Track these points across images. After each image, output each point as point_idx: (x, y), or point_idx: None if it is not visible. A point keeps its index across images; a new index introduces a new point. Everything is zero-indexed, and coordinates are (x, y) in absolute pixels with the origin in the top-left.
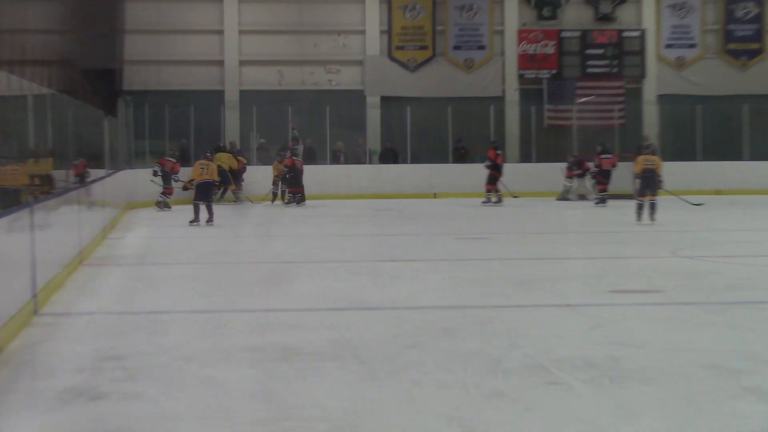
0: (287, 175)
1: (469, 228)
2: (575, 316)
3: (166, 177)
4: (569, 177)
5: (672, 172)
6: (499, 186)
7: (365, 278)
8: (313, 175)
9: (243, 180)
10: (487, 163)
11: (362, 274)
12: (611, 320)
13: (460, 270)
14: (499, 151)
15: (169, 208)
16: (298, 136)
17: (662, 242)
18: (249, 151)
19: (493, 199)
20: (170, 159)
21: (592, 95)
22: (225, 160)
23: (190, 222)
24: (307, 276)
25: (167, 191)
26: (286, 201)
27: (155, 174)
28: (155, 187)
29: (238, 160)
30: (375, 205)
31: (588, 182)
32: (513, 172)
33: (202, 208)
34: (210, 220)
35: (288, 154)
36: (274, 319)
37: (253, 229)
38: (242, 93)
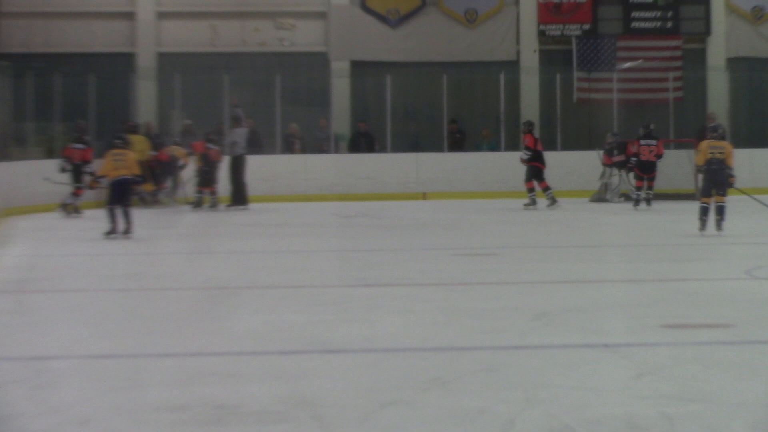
0: (203, 169)
1: (470, 240)
2: (615, 360)
3: (76, 171)
4: (608, 166)
5: (746, 163)
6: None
7: (328, 310)
8: (258, 169)
9: (171, 177)
10: (525, 153)
11: (325, 304)
12: (663, 366)
13: (459, 298)
14: (537, 136)
15: (79, 213)
16: (242, 115)
17: (733, 259)
18: (169, 136)
19: (547, 201)
20: (76, 146)
21: (639, 59)
22: (139, 146)
23: (106, 234)
24: (250, 307)
25: (77, 191)
26: (192, 202)
27: (63, 170)
28: (49, 186)
29: (158, 151)
30: (343, 210)
31: (632, 176)
32: None
33: (122, 214)
34: (128, 230)
35: (191, 141)
36: (204, 366)
37: (178, 244)
38: (161, 57)
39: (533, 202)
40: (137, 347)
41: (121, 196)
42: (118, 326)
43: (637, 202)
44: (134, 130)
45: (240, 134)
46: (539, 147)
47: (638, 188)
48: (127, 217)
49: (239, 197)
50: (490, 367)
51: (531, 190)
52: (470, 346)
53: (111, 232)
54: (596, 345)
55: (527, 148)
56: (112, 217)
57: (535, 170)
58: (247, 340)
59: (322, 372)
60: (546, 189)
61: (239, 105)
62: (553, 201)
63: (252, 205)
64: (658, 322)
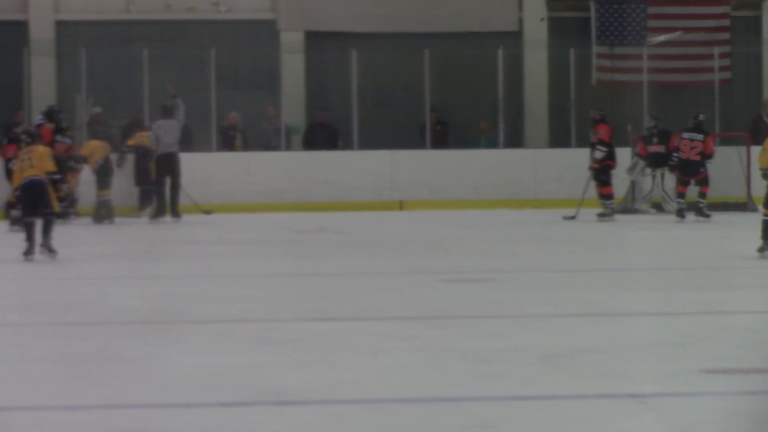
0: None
1: (460, 262)
2: (644, 414)
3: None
4: (642, 157)
5: None
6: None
7: (279, 350)
8: (188, 170)
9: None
10: (600, 150)
11: (274, 342)
12: (705, 422)
13: (445, 335)
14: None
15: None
16: (180, 106)
17: None
18: (74, 127)
19: (603, 211)
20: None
21: (676, 30)
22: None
23: (24, 254)
24: (180, 346)
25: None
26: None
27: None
28: None
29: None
30: (297, 223)
31: (669, 179)
32: (537, 162)
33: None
34: (47, 247)
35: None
36: (120, 421)
37: (89, 266)
38: (60, 26)
39: (611, 213)
40: (34, 398)
41: (33, 201)
42: (8, 371)
43: (680, 212)
44: (54, 114)
45: (168, 127)
46: (609, 138)
47: (680, 195)
48: (46, 227)
49: (167, 206)
50: (485, 423)
51: (610, 196)
52: (459, 397)
53: (29, 253)
54: (620, 395)
55: (602, 143)
56: (29, 232)
57: (608, 170)
58: (177, 389)
59: (271, 429)
60: (606, 197)
61: (178, 96)
62: (608, 214)
63: (182, 217)
64: (698, 366)
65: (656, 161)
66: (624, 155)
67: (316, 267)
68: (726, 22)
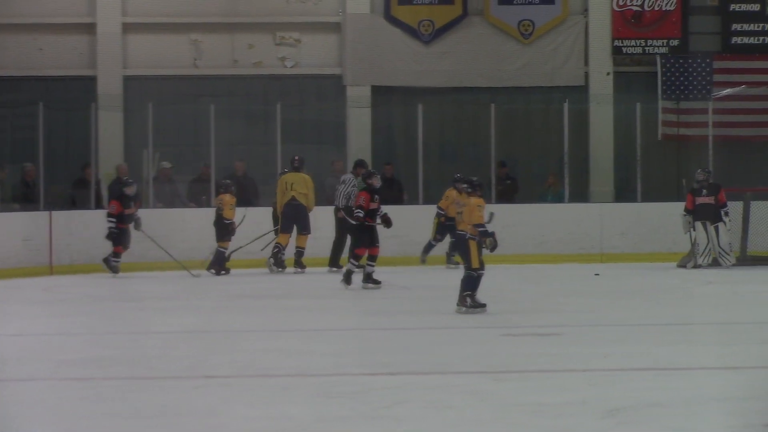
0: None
1: (525, 316)
2: None
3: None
4: (688, 211)
5: None
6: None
7: (344, 403)
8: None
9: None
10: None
11: (339, 396)
12: None
13: (510, 389)
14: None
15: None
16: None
17: None
18: (141, 182)
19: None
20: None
21: (741, 84)
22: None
23: None
24: (244, 400)
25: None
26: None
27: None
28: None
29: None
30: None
31: (724, 233)
32: (602, 217)
33: None
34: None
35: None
36: None
37: (163, 319)
38: (128, 81)
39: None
40: None
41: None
42: (77, 427)
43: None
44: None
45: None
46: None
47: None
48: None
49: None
50: None
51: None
52: None
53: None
54: None
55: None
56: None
57: None
58: None
59: None
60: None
61: (162, 156)
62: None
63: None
64: (764, 420)
65: (705, 214)
66: (680, 209)
67: (379, 321)
68: None
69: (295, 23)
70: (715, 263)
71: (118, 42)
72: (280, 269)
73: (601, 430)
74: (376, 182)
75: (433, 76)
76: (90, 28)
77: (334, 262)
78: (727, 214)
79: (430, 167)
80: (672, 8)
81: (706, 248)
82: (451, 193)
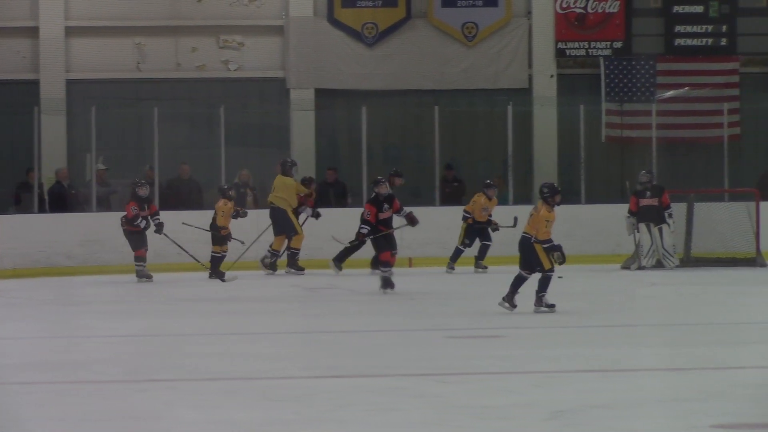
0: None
1: (469, 319)
2: None
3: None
4: (632, 213)
5: None
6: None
7: (289, 407)
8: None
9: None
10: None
11: (284, 399)
12: None
13: (455, 392)
14: None
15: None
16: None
17: None
18: (83, 185)
19: None
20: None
21: (684, 86)
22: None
23: None
24: (187, 402)
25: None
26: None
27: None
28: None
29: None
30: (307, 280)
31: (668, 235)
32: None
33: None
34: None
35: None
36: None
37: (99, 322)
38: (71, 85)
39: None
40: None
41: None
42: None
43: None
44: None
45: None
46: None
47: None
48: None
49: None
50: None
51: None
52: None
53: None
54: None
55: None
56: None
57: None
58: None
59: None
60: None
61: (102, 158)
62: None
63: (182, 275)
64: (709, 421)
65: (649, 215)
66: (624, 211)
67: (324, 324)
68: (735, 79)
69: (238, 26)
70: (659, 265)
71: (61, 45)
72: (270, 271)
73: (546, 431)
74: (383, 190)
75: (377, 78)
76: (33, 32)
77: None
78: (670, 215)
79: (374, 170)
80: (615, 10)
81: (649, 250)
82: (480, 198)
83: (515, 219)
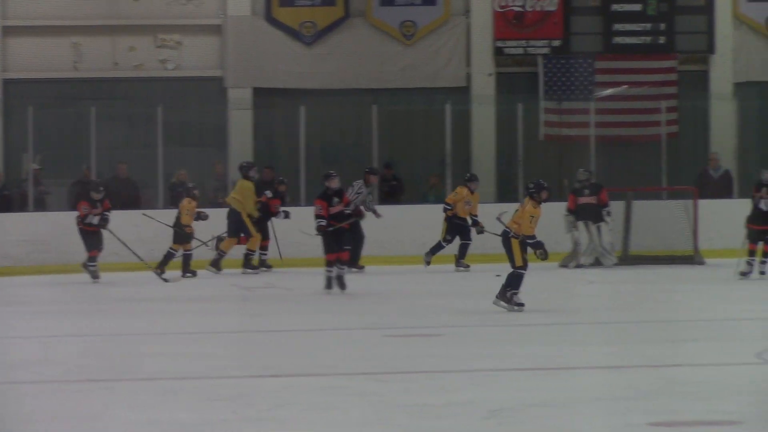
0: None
1: (407, 318)
2: None
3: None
4: (571, 211)
5: (744, 214)
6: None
7: (227, 406)
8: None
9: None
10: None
11: (222, 399)
12: None
13: (393, 391)
14: None
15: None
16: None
17: (742, 339)
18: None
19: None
20: None
21: (622, 84)
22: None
23: None
24: (126, 403)
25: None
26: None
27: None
28: None
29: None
30: (244, 280)
31: (606, 233)
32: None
33: None
34: None
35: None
36: None
37: (34, 323)
38: (7, 84)
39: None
40: None
41: None
42: None
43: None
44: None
45: None
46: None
47: (752, 253)
48: None
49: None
50: None
51: None
52: None
53: None
54: None
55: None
56: None
57: None
58: None
59: None
60: None
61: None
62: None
63: (122, 275)
64: (646, 419)
65: (587, 214)
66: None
67: (262, 323)
68: (673, 77)
69: (176, 25)
70: (597, 263)
71: None
72: (216, 271)
73: (484, 430)
74: (334, 184)
75: (315, 77)
76: None
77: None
78: (609, 213)
79: (313, 169)
80: (554, 9)
81: (588, 248)
82: (462, 190)
83: (502, 213)
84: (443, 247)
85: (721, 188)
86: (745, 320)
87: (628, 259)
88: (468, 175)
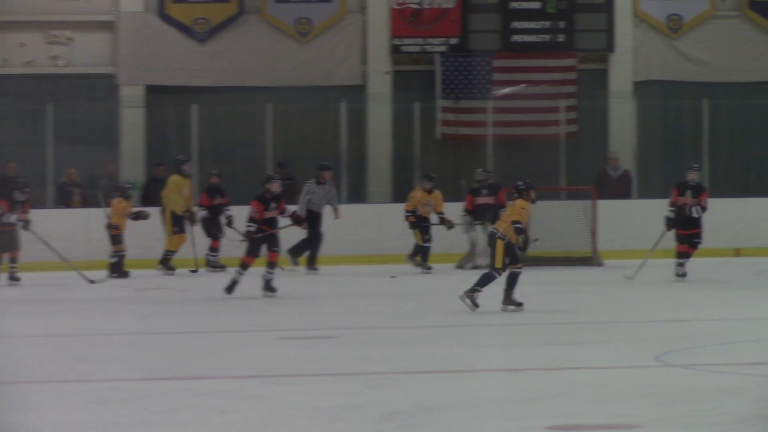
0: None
1: (301, 319)
2: None
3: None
4: (468, 211)
5: (644, 214)
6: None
7: (120, 409)
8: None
9: None
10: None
11: (114, 402)
12: None
13: (287, 393)
14: None
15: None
16: None
17: (641, 341)
18: None
19: None
20: None
21: (521, 83)
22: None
23: None
24: (14, 408)
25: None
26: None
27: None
28: None
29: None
30: (136, 281)
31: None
32: (380, 218)
33: None
34: None
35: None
36: None
37: None
38: None
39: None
40: None
41: None
42: None
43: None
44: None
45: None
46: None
47: (681, 255)
48: None
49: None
50: None
51: None
52: None
53: None
54: None
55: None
56: None
57: None
58: None
59: None
60: None
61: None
62: None
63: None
64: (544, 422)
65: (485, 214)
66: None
67: (154, 325)
68: (572, 75)
69: (67, 21)
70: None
71: None
72: (170, 272)
73: None
74: (275, 188)
75: (209, 75)
76: None
77: (310, 262)
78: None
79: (206, 168)
80: (451, 6)
81: (485, 249)
82: (416, 193)
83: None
84: (428, 247)
85: (620, 188)
86: (644, 322)
87: (526, 260)
88: (425, 175)
